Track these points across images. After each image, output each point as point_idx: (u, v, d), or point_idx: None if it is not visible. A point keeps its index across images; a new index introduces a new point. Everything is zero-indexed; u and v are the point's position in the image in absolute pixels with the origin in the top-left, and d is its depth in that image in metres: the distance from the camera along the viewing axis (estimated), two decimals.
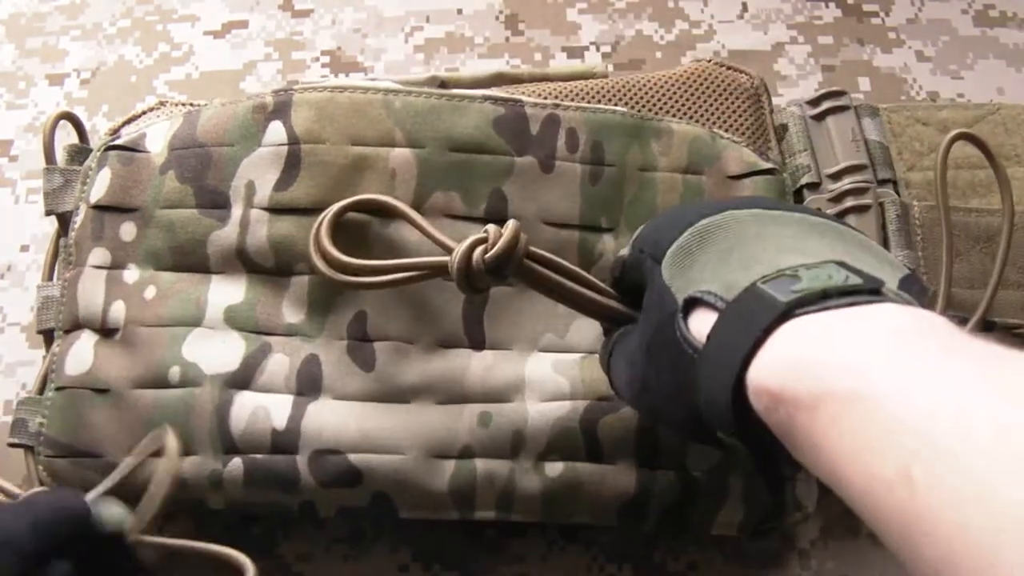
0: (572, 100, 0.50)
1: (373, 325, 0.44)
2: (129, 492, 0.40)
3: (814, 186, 0.51)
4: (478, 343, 0.45)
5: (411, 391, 0.44)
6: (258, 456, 0.42)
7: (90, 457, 0.43)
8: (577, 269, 0.39)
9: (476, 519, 0.43)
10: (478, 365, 0.44)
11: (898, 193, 0.51)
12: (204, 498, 0.43)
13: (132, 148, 0.47)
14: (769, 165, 0.48)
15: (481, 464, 0.43)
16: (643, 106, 0.51)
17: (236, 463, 0.42)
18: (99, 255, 0.45)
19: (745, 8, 0.61)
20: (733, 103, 0.52)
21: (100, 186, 0.46)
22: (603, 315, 0.39)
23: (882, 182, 0.51)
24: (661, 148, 0.48)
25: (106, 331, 0.44)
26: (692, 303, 0.31)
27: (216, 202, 0.45)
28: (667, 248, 0.34)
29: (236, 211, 0.45)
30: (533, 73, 0.54)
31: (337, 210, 0.43)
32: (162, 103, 0.51)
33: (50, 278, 0.48)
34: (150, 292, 0.45)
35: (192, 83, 0.59)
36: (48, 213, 0.47)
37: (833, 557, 0.47)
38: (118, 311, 0.44)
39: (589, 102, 0.50)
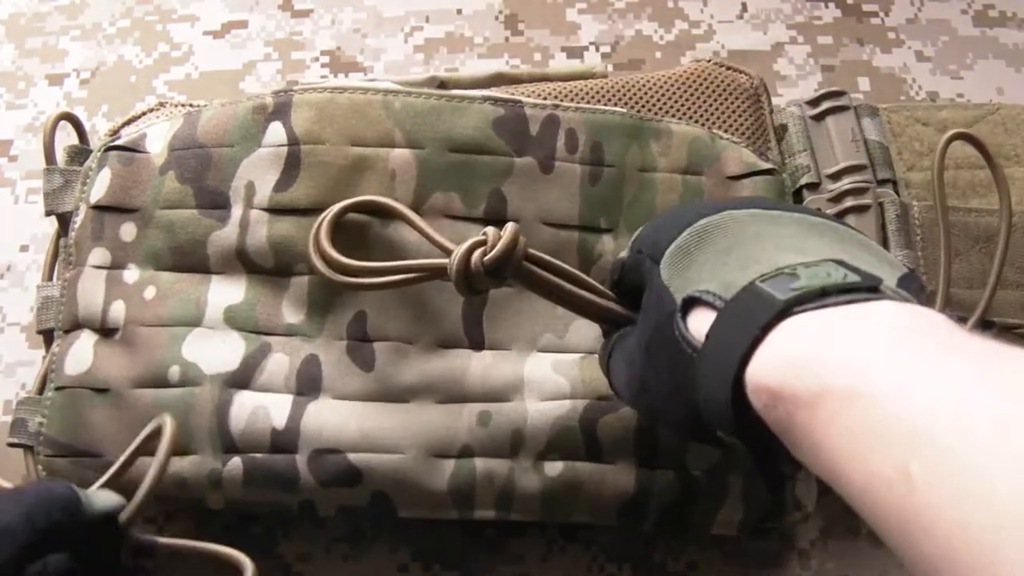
0: (572, 100, 0.50)
1: (373, 325, 0.44)
2: (126, 490, 0.40)
3: (814, 186, 0.51)
4: (477, 343, 0.45)
5: (411, 391, 0.44)
6: (258, 455, 0.42)
7: (89, 457, 0.43)
8: (576, 271, 0.39)
9: (475, 518, 0.43)
10: (478, 365, 0.44)
11: (898, 193, 0.51)
12: (203, 497, 0.43)
13: (132, 148, 0.47)
14: (768, 165, 0.48)
15: (480, 463, 0.43)
16: (643, 106, 0.51)
17: (236, 462, 0.42)
18: (99, 255, 0.45)
19: (745, 8, 0.61)
20: (733, 103, 0.52)
21: (100, 186, 0.46)
22: (602, 317, 0.39)
23: (882, 182, 0.51)
24: (661, 149, 0.48)
25: (106, 331, 0.44)
26: (691, 302, 0.31)
27: (216, 202, 0.45)
28: (666, 248, 0.34)
29: (236, 211, 0.45)
30: (533, 73, 0.54)
31: (337, 211, 0.43)
32: (162, 104, 0.51)
33: (50, 278, 0.48)
34: (150, 292, 0.45)
35: (192, 83, 0.59)
36: (48, 213, 0.47)
37: (833, 557, 0.47)
38: (118, 311, 0.44)
39: (589, 102, 0.50)
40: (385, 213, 0.44)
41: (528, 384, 0.44)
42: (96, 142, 0.51)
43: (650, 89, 0.51)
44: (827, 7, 0.61)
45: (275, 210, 0.45)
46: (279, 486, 0.42)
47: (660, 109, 0.51)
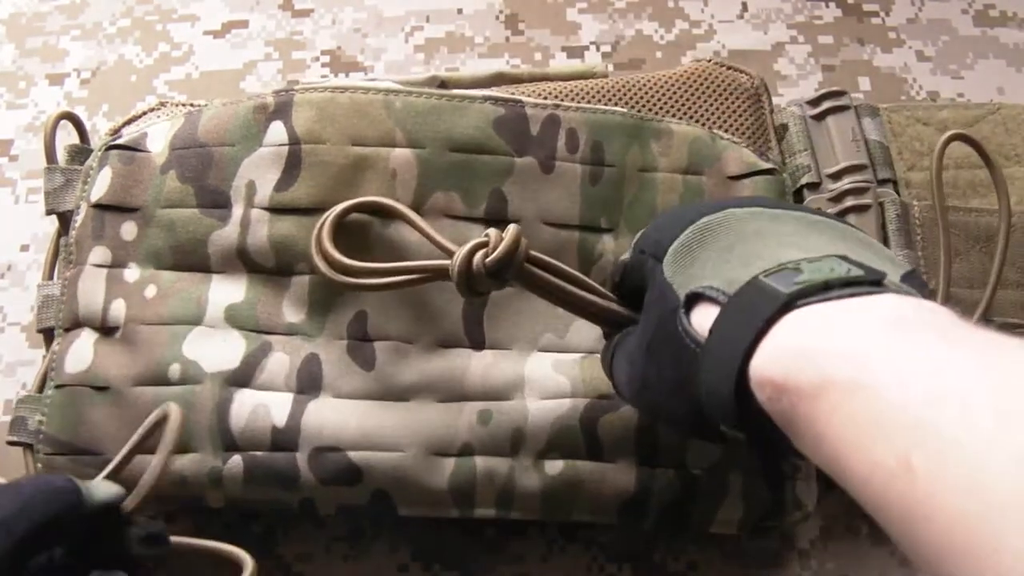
0: (572, 100, 0.50)
1: (373, 325, 0.44)
2: (129, 483, 0.40)
3: (814, 186, 0.51)
4: (478, 343, 0.45)
5: (411, 390, 0.44)
6: (258, 454, 0.42)
7: (89, 455, 0.43)
8: (577, 273, 0.39)
9: (476, 517, 0.43)
10: (478, 365, 0.44)
11: (898, 193, 0.51)
12: (204, 495, 0.43)
13: (133, 148, 0.47)
14: (769, 165, 0.48)
15: (481, 462, 0.43)
16: (643, 106, 0.51)
17: (236, 460, 0.42)
18: (100, 254, 0.45)
19: (745, 8, 0.61)
20: (733, 103, 0.52)
21: (101, 185, 0.46)
22: (604, 318, 0.39)
23: (882, 182, 0.51)
24: (661, 149, 0.48)
25: (106, 329, 0.44)
26: (694, 298, 0.32)
27: (217, 202, 0.45)
28: (668, 247, 0.35)
29: (237, 211, 0.45)
30: (533, 73, 0.54)
31: (339, 212, 0.43)
32: (162, 103, 0.51)
33: (51, 277, 0.48)
34: (151, 291, 0.45)
35: (192, 83, 0.59)
36: (49, 212, 0.47)
37: (833, 557, 0.47)
38: (118, 310, 0.44)
39: (589, 102, 0.50)
40: (387, 213, 0.44)
41: (529, 383, 0.44)
42: (97, 141, 0.51)
43: (650, 89, 0.51)
44: (828, 7, 0.61)
45: (276, 209, 0.45)
46: (279, 484, 0.42)
47: (660, 109, 0.51)
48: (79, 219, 0.46)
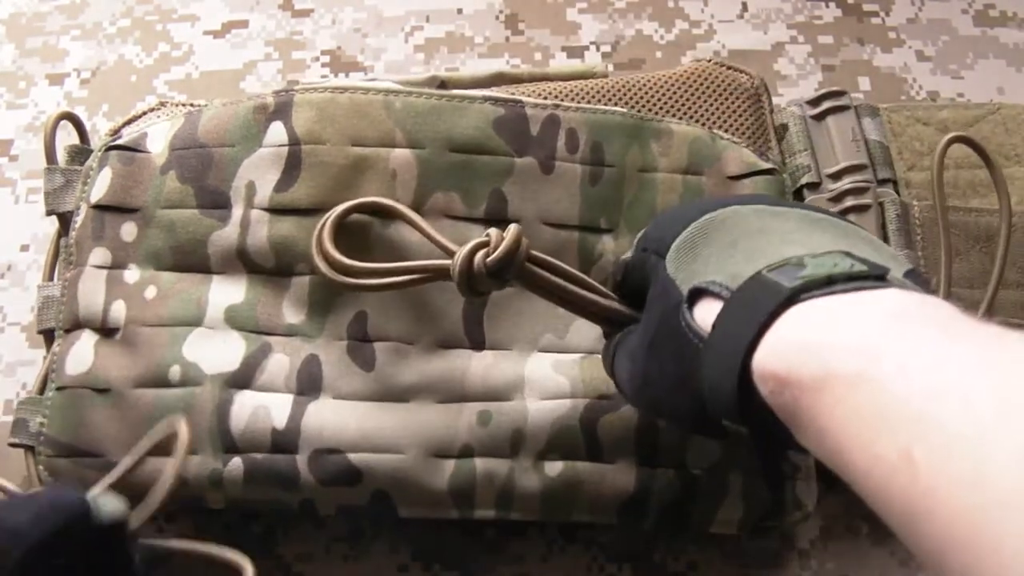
0: (572, 100, 0.50)
1: (373, 325, 0.44)
2: (132, 490, 0.40)
3: (814, 186, 0.51)
4: (478, 343, 0.45)
5: (411, 391, 0.44)
6: (258, 455, 0.42)
7: (91, 457, 0.43)
8: (578, 273, 0.39)
9: (476, 518, 0.43)
10: (478, 365, 0.44)
11: (898, 193, 0.51)
12: (204, 497, 0.43)
13: (133, 148, 0.47)
14: (769, 165, 0.48)
15: (480, 463, 0.43)
16: (643, 106, 0.51)
17: (236, 462, 0.42)
18: (100, 255, 0.45)
19: (745, 8, 0.61)
20: (733, 103, 0.52)
21: (101, 186, 0.46)
22: (605, 317, 0.39)
23: (882, 182, 0.51)
24: (661, 149, 0.48)
25: (106, 331, 0.44)
26: (697, 293, 0.32)
27: (217, 202, 0.45)
28: (671, 243, 0.35)
29: (237, 211, 0.45)
30: (533, 73, 0.54)
31: (340, 212, 0.43)
32: (162, 103, 0.51)
33: (51, 278, 0.48)
34: (151, 292, 0.45)
35: (192, 83, 0.59)
36: (49, 213, 0.47)
37: (833, 557, 0.47)
38: (118, 311, 0.44)
39: (589, 102, 0.50)
40: (387, 214, 0.44)
41: (528, 383, 0.44)
42: (97, 142, 0.51)
43: (650, 89, 0.51)
44: (828, 7, 0.61)
45: (276, 210, 0.45)
46: (280, 486, 0.42)
47: (660, 109, 0.51)
48: (79, 220, 0.46)
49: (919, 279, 0.30)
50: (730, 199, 0.36)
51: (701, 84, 0.52)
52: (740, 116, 0.51)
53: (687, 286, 0.32)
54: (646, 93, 0.51)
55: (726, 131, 0.51)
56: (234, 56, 0.59)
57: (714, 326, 0.30)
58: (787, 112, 0.53)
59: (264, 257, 0.45)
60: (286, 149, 0.45)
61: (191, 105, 0.51)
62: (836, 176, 0.51)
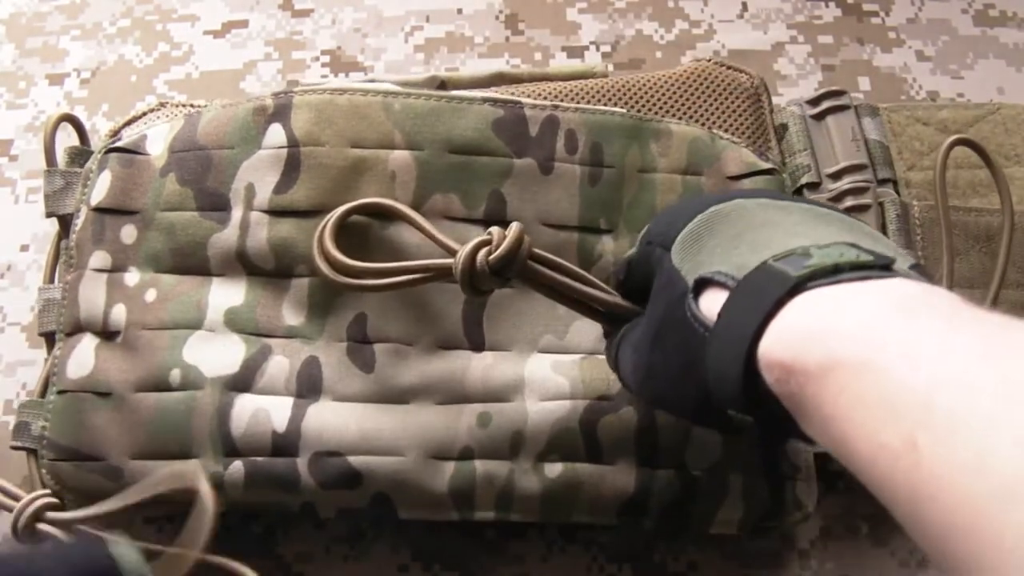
0: (572, 100, 0.50)
1: (373, 327, 0.44)
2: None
3: (814, 186, 0.51)
4: (478, 344, 0.45)
5: (411, 392, 0.44)
6: (259, 459, 0.42)
7: (92, 461, 0.43)
8: (580, 270, 0.40)
9: (476, 519, 0.43)
10: (478, 366, 0.44)
11: (898, 192, 0.51)
12: None
13: (132, 150, 0.47)
14: (768, 165, 0.48)
15: (480, 465, 0.43)
16: (643, 106, 0.51)
17: (237, 466, 0.42)
18: (100, 258, 0.45)
19: (745, 8, 0.61)
20: (733, 103, 0.52)
21: (101, 188, 0.46)
22: (608, 314, 0.39)
23: (882, 182, 0.51)
24: (660, 149, 0.48)
25: (107, 334, 0.44)
26: (702, 284, 0.32)
27: (216, 204, 0.45)
28: (676, 236, 0.35)
29: (236, 213, 0.45)
30: (533, 73, 0.54)
31: (341, 213, 0.43)
32: (162, 104, 0.51)
33: (51, 280, 0.48)
34: (151, 295, 0.45)
35: (192, 83, 0.59)
36: (49, 215, 0.47)
37: (833, 557, 0.47)
38: (119, 314, 0.44)
39: (589, 102, 0.50)
40: (389, 215, 0.44)
41: (528, 384, 0.44)
42: (97, 142, 0.51)
43: (650, 89, 0.51)
44: (827, 7, 0.61)
45: (275, 212, 0.45)
46: (280, 489, 0.42)
47: (660, 109, 0.51)
48: (79, 222, 0.46)
49: (923, 273, 0.30)
50: (734, 193, 0.37)
51: (701, 84, 0.52)
52: (740, 116, 0.51)
53: (692, 276, 0.32)
54: (646, 93, 0.51)
55: (726, 131, 0.51)
56: (234, 56, 0.59)
57: (720, 315, 0.30)
58: (787, 112, 0.53)
59: (264, 259, 0.45)
60: (285, 151, 0.45)
61: (191, 106, 0.51)
62: (836, 176, 0.51)
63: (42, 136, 0.48)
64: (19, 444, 0.44)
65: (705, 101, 0.51)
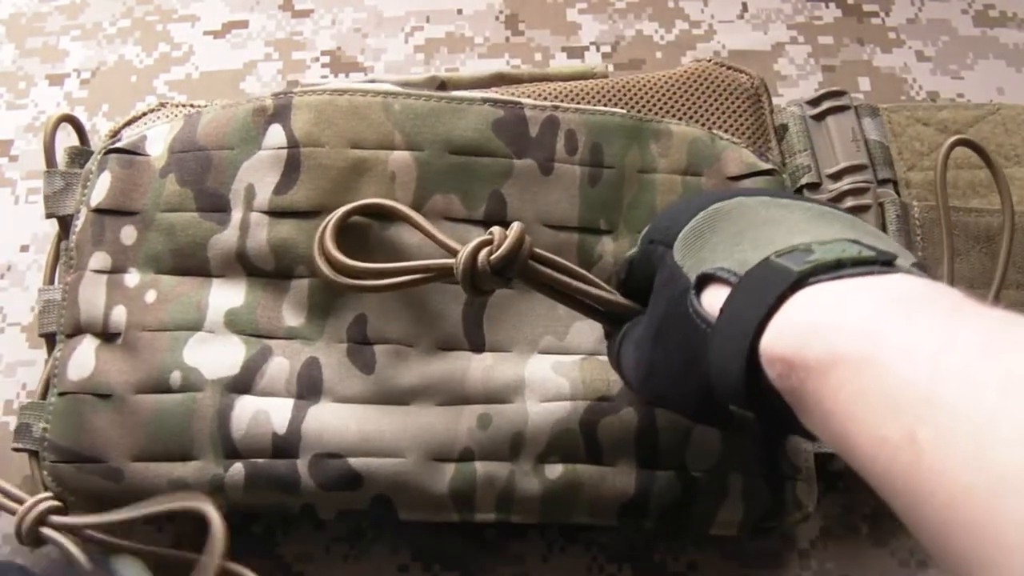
0: (572, 100, 0.50)
1: (373, 328, 0.44)
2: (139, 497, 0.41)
3: (814, 186, 0.51)
4: (478, 345, 0.45)
5: (411, 393, 0.44)
6: (259, 461, 0.42)
7: (93, 463, 0.43)
8: (581, 270, 0.40)
9: (476, 521, 0.43)
10: (478, 367, 0.44)
11: (898, 193, 0.51)
12: None
13: (132, 151, 0.47)
14: (768, 166, 0.48)
15: (481, 466, 0.43)
16: (643, 106, 0.51)
17: (237, 468, 0.42)
18: (100, 259, 0.45)
19: (745, 8, 0.61)
20: (733, 103, 0.52)
21: (100, 189, 0.46)
22: (609, 313, 0.39)
23: (882, 182, 0.51)
24: (660, 150, 0.48)
25: (107, 336, 0.44)
26: (705, 280, 0.32)
27: (216, 205, 0.45)
28: (678, 233, 0.35)
29: (236, 214, 0.45)
30: (533, 73, 0.54)
31: (342, 214, 0.43)
32: (162, 104, 0.51)
33: (51, 281, 0.48)
34: (151, 296, 0.45)
35: (192, 83, 0.59)
36: (49, 216, 0.47)
37: (833, 557, 0.47)
38: (119, 315, 0.44)
39: (589, 102, 0.50)
40: (390, 215, 0.44)
41: (529, 385, 0.44)
42: (97, 142, 0.51)
43: (650, 89, 0.51)
44: (827, 7, 0.61)
45: (275, 213, 0.45)
46: (281, 490, 0.42)
47: (660, 109, 0.51)
48: (79, 224, 0.46)
49: (924, 270, 0.30)
50: (736, 190, 0.37)
51: (701, 84, 0.52)
52: (740, 116, 0.51)
53: (694, 273, 0.32)
54: (646, 93, 0.51)
55: (726, 131, 0.51)
56: (234, 56, 0.59)
57: (722, 310, 0.30)
58: (787, 112, 0.53)
59: (263, 260, 0.45)
60: (285, 152, 0.45)
61: (191, 106, 0.51)
62: (836, 176, 0.51)
63: (42, 137, 0.48)
64: (21, 446, 0.44)
65: (705, 101, 0.51)
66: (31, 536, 0.42)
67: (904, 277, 0.27)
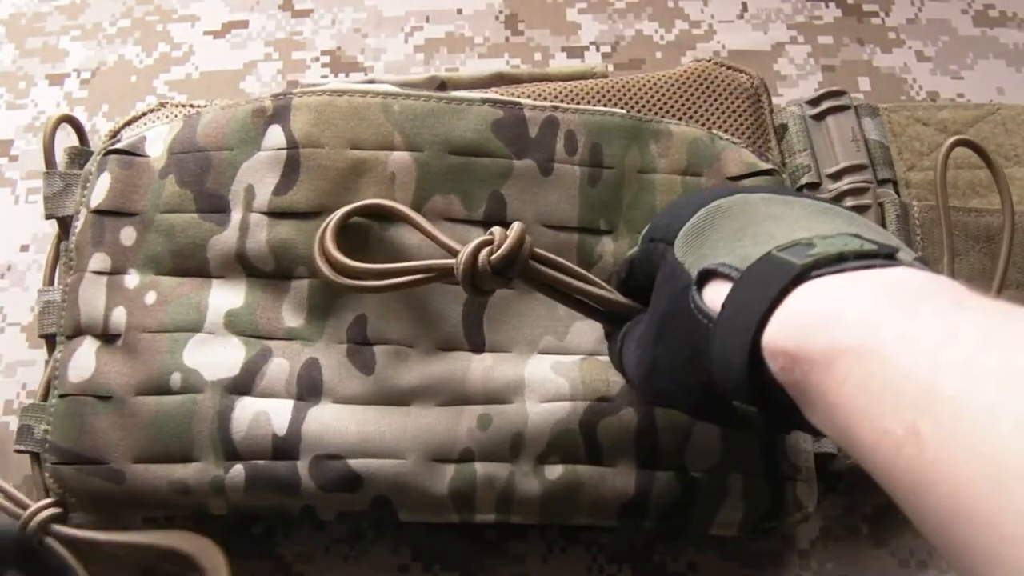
0: (572, 100, 0.50)
1: (373, 328, 0.44)
2: (138, 500, 0.42)
3: (814, 186, 0.51)
4: (478, 346, 0.45)
5: (411, 394, 0.44)
6: (259, 462, 0.42)
7: (94, 464, 0.43)
8: (582, 270, 0.40)
9: (476, 522, 0.43)
10: (478, 367, 0.44)
11: (898, 193, 0.51)
12: (206, 503, 0.43)
13: (132, 152, 0.47)
14: (768, 165, 0.48)
15: (481, 467, 0.43)
16: (643, 106, 0.51)
17: (238, 469, 0.42)
18: (99, 260, 0.45)
19: (745, 8, 0.61)
20: (733, 103, 0.52)
21: (100, 190, 0.46)
22: (610, 313, 0.39)
23: (882, 182, 0.51)
24: (660, 150, 0.48)
25: (108, 337, 0.44)
26: (706, 276, 0.32)
27: (216, 206, 0.45)
28: (679, 230, 0.35)
29: (236, 215, 0.45)
30: (533, 73, 0.54)
31: (342, 215, 0.43)
32: (162, 104, 0.51)
33: (51, 282, 0.48)
34: (151, 297, 0.45)
35: (192, 83, 0.59)
36: (48, 217, 0.47)
37: (833, 557, 0.47)
38: (119, 317, 0.44)
39: (589, 102, 0.50)
40: (390, 216, 0.44)
41: (529, 386, 0.44)
42: (97, 142, 0.51)
43: (650, 89, 0.51)
44: (827, 7, 0.61)
45: (275, 213, 0.45)
46: (281, 492, 0.42)
47: (660, 109, 0.51)
48: (79, 225, 0.46)
49: (926, 265, 0.30)
50: (737, 188, 0.37)
51: (701, 84, 0.52)
52: (740, 116, 0.51)
53: (696, 269, 0.32)
54: (646, 93, 0.51)
55: (726, 131, 0.51)
56: (234, 56, 0.59)
57: (724, 305, 0.30)
58: (787, 112, 0.53)
59: (263, 261, 0.45)
60: (284, 152, 0.45)
61: (191, 106, 0.51)
62: (836, 176, 0.51)
63: (42, 137, 0.48)
64: (22, 448, 0.44)
65: (705, 101, 0.51)
66: (33, 543, 0.42)
67: (906, 270, 0.27)
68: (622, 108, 0.50)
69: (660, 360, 0.34)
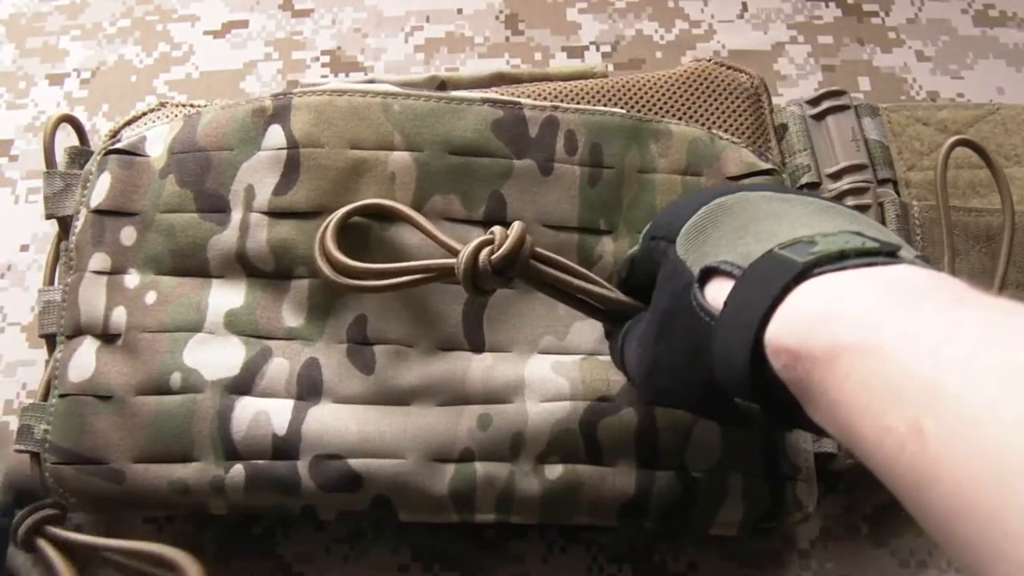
0: (572, 100, 0.50)
1: (373, 328, 0.44)
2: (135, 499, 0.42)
3: (814, 186, 0.51)
4: (478, 346, 0.45)
5: (411, 394, 0.44)
6: (259, 462, 0.42)
7: (94, 464, 0.43)
8: (582, 269, 0.40)
9: (476, 522, 0.43)
10: (478, 367, 0.44)
11: (898, 193, 0.51)
12: (206, 503, 0.43)
13: (132, 152, 0.47)
14: (768, 165, 0.48)
15: (481, 467, 0.43)
16: (643, 106, 0.51)
17: (238, 469, 0.42)
18: (99, 260, 0.45)
19: (745, 8, 0.61)
20: (733, 103, 0.52)
21: (100, 190, 0.46)
22: (609, 312, 0.39)
23: (882, 182, 0.51)
24: (660, 150, 0.48)
25: (108, 337, 0.44)
26: (708, 273, 0.32)
27: (216, 206, 0.45)
28: (680, 228, 0.35)
29: (236, 215, 0.45)
30: (533, 73, 0.54)
31: (342, 215, 0.43)
32: (162, 104, 0.51)
33: (51, 282, 0.48)
34: (151, 297, 0.45)
35: (192, 83, 0.59)
36: (48, 217, 0.47)
37: (833, 557, 0.47)
38: (119, 317, 0.44)
39: (589, 102, 0.50)
40: (390, 216, 0.44)
41: (529, 386, 0.44)
42: (97, 142, 0.51)
43: (650, 89, 0.51)
44: (827, 7, 0.61)
45: (275, 213, 0.45)
46: (281, 492, 0.42)
47: (660, 109, 0.51)
48: (79, 225, 0.46)
49: (928, 263, 0.30)
50: (739, 186, 0.37)
51: (701, 84, 0.52)
52: (740, 116, 0.51)
53: (697, 267, 0.32)
54: (646, 93, 0.51)
55: (726, 131, 0.51)
56: (234, 56, 0.59)
57: (726, 303, 0.30)
58: (787, 112, 0.53)
59: (263, 260, 0.45)
60: (284, 152, 0.45)
61: (191, 106, 0.51)
62: (836, 176, 0.51)
63: (42, 137, 0.48)
64: (23, 448, 0.44)
65: (705, 101, 0.51)
66: (26, 543, 0.42)
67: (908, 268, 0.27)
68: (622, 108, 0.50)
69: (662, 358, 0.34)
